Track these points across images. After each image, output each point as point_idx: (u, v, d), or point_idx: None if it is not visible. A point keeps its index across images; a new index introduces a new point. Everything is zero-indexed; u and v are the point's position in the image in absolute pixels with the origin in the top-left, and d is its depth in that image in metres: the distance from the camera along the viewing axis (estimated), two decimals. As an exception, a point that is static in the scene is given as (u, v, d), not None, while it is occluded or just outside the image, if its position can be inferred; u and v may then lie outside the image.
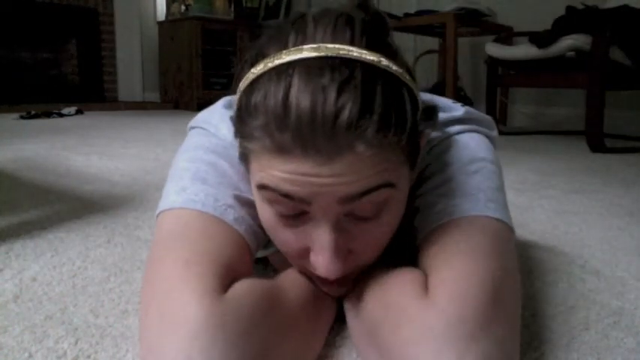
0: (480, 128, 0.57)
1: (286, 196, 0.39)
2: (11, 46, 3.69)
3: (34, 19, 3.71)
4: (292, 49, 0.38)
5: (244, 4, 4.50)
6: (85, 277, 0.67)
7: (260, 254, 0.59)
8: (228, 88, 4.14)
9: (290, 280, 0.47)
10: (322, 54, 0.37)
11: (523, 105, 3.48)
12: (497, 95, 2.97)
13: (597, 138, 2.18)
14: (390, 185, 0.40)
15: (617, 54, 2.14)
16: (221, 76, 4.24)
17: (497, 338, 0.38)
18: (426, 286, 0.41)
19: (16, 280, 0.66)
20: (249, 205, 0.48)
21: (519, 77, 2.74)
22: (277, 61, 0.38)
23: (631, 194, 1.33)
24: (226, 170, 0.50)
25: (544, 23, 2.46)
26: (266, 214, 0.43)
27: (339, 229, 0.41)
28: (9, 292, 0.62)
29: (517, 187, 1.38)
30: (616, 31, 2.09)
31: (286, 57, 0.38)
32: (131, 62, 4.30)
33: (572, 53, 2.23)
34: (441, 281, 0.40)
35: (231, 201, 0.47)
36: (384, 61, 0.39)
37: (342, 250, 0.41)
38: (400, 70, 0.40)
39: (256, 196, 0.44)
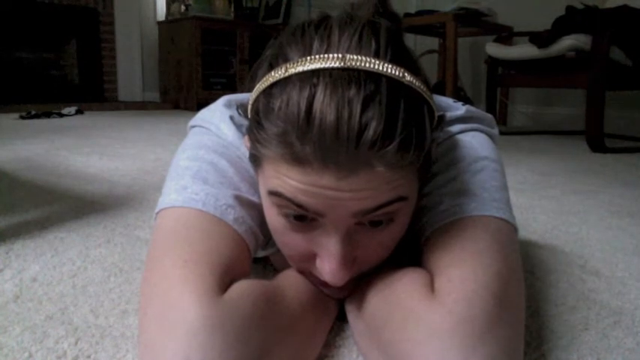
0: (482, 127, 0.57)
1: (300, 206, 0.39)
2: (12, 46, 3.69)
3: (34, 19, 3.71)
4: (316, 56, 0.38)
5: (244, 4, 4.49)
6: (85, 277, 0.67)
7: (260, 254, 0.59)
8: (228, 88, 4.14)
9: (290, 281, 0.47)
10: (347, 65, 0.36)
11: (523, 105, 3.48)
12: (497, 95, 2.97)
13: (597, 138, 2.18)
14: (403, 199, 0.40)
15: (617, 54, 2.14)
16: (221, 76, 4.23)
17: (503, 339, 0.38)
18: (431, 287, 0.41)
19: (16, 280, 0.66)
20: (249, 205, 0.48)
21: (519, 77, 2.74)
22: (300, 68, 0.37)
23: (631, 194, 1.33)
24: (227, 170, 0.50)
25: (544, 23, 2.47)
26: (274, 218, 0.43)
27: (348, 238, 0.41)
28: (9, 292, 0.62)
29: (517, 187, 1.37)
30: (616, 31, 2.09)
31: (310, 64, 0.37)
32: (131, 62, 4.30)
33: (572, 53, 2.23)
34: (448, 282, 0.40)
35: (231, 201, 0.47)
36: (408, 77, 0.38)
37: (349, 259, 0.42)
38: (422, 86, 0.40)
39: (265, 200, 0.44)
